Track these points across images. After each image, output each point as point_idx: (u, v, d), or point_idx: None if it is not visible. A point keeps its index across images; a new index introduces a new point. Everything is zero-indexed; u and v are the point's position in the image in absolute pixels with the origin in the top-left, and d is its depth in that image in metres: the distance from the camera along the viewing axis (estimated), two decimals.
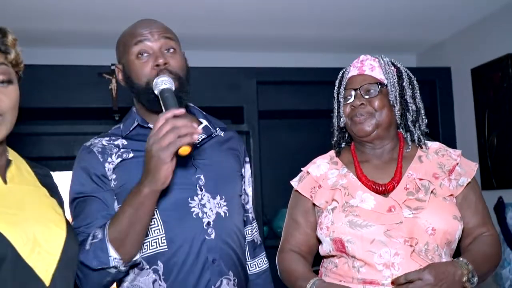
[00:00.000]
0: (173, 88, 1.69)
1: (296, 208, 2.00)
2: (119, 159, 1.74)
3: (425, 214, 1.77)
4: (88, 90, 3.62)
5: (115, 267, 1.61)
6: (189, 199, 1.74)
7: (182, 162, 1.70)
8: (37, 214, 1.44)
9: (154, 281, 1.69)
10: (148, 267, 1.71)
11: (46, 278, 1.37)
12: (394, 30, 3.90)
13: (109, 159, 1.73)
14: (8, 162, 1.51)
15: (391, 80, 1.91)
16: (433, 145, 1.97)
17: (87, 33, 3.72)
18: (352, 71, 1.96)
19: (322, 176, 1.96)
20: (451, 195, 1.86)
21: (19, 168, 1.55)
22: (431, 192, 1.82)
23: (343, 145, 2.02)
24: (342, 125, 1.95)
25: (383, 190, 1.84)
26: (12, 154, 1.57)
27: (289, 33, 3.89)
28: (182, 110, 1.56)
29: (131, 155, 1.75)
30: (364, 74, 1.93)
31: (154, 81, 1.69)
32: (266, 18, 3.59)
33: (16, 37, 1.48)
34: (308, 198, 1.96)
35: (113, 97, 3.65)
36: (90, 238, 1.61)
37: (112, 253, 1.59)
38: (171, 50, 1.78)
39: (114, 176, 1.72)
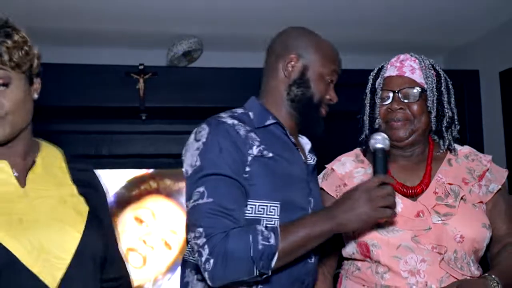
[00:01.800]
0: (388, 149, 1.73)
1: None
2: (259, 153, 1.67)
3: (454, 221, 1.73)
4: (116, 89, 3.66)
5: (260, 277, 1.57)
6: None
7: (301, 184, 1.75)
8: (49, 218, 1.46)
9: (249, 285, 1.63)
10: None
11: (52, 283, 1.40)
12: (422, 31, 3.87)
13: (250, 151, 1.66)
14: (33, 163, 1.54)
15: (431, 85, 1.84)
16: (463, 149, 1.92)
17: (116, 33, 3.75)
18: (390, 71, 1.88)
19: (348, 174, 1.92)
20: (481, 201, 1.81)
21: (48, 167, 1.57)
22: (461, 198, 1.78)
23: None
24: (377, 126, 1.88)
25: (412, 193, 1.79)
26: (45, 151, 1.60)
27: None
28: (394, 182, 1.69)
29: (270, 154, 1.69)
30: (404, 76, 1.85)
31: (373, 136, 1.73)
32: (294, 20, 3.58)
33: (24, 38, 1.50)
34: (333, 196, 1.92)
35: (141, 97, 3.68)
36: (261, 237, 1.54)
37: (274, 263, 1.55)
38: None
39: (248, 169, 1.65)
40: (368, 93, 1.94)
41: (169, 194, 3.95)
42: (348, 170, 1.94)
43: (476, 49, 4.14)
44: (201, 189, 1.59)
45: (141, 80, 3.69)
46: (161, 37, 3.82)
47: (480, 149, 4.00)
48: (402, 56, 1.90)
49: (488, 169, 1.86)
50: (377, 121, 1.88)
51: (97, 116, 3.99)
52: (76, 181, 1.60)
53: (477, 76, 4.10)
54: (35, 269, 1.38)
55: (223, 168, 1.61)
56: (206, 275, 1.55)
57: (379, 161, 1.69)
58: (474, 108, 4.08)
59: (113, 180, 3.88)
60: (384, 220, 1.67)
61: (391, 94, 1.84)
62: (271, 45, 1.89)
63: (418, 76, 1.85)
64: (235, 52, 3.99)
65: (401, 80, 1.85)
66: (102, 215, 1.63)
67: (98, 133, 3.88)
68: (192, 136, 1.71)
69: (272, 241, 1.55)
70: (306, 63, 1.80)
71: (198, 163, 1.63)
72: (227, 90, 3.70)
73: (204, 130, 1.68)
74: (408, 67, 1.87)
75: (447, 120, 1.87)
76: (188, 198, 1.63)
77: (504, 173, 1.89)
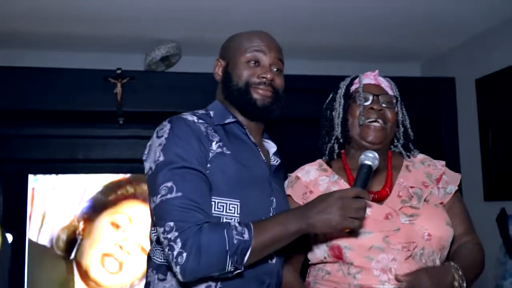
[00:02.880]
0: (374, 168, 1.77)
1: None
2: (219, 150, 1.71)
3: (421, 220, 1.81)
4: (93, 93, 3.64)
5: (231, 273, 1.59)
6: (263, 218, 1.73)
7: (262, 183, 1.78)
8: None
9: (208, 286, 1.64)
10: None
11: None
12: (399, 39, 3.92)
13: (211, 147, 1.70)
14: None
15: (399, 99, 2.00)
16: (418, 156, 2.04)
17: (94, 37, 3.74)
18: (367, 80, 1.99)
19: (313, 182, 1.96)
20: (441, 203, 1.92)
21: None
22: (424, 199, 1.87)
23: (336, 151, 2.02)
24: (361, 122, 1.91)
25: (378, 197, 1.85)
26: None
27: (294, 41, 3.87)
28: (369, 198, 1.74)
29: (229, 152, 1.72)
30: (380, 85, 1.98)
31: (365, 153, 1.77)
32: (271, 24, 3.60)
33: None
34: (300, 204, 1.92)
35: (118, 101, 3.67)
36: (235, 231, 1.56)
37: (247, 259, 1.57)
38: (278, 71, 1.88)
39: (209, 165, 1.67)
40: (341, 98, 2.00)
41: (146, 199, 3.85)
42: (313, 178, 1.98)
43: (453, 57, 4.19)
44: (169, 183, 1.60)
45: (119, 85, 3.68)
46: (139, 42, 3.81)
47: (456, 156, 4.06)
48: (373, 72, 2.02)
49: (443, 173, 1.98)
50: (356, 121, 1.93)
51: (74, 120, 3.97)
52: None
53: (453, 84, 4.14)
54: None
55: (189, 161, 1.62)
56: (177, 269, 1.55)
57: (362, 176, 1.75)
58: (450, 115, 4.12)
59: (89, 185, 3.87)
60: (348, 230, 1.71)
61: (371, 97, 1.93)
62: None
63: (390, 90, 1.99)
64: (213, 57, 3.99)
65: (379, 88, 1.98)
66: None
67: (74, 137, 3.86)
68: (154, 134, 1.74)
69: (246, 236, 1.56)
70: (226, 61, 1.89)
71: (161, 158, 1.64)
72: (204, 95, 3.67)
73: (165, 127, 1.71)
74: (382, 81, 2.01)
75: (401, 133, 2.02)
76: (154, 194, 1.62)
77: (458, 176, 2.01)
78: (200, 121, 1.73)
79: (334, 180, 1.95)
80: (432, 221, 1.82)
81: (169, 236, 1.56)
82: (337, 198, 1.62)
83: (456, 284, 1.72)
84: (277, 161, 1.91)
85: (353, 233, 1.76)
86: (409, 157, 2.02)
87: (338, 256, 1.80)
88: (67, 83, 3.62)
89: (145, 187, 3.92)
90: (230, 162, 1.70)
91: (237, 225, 1.58)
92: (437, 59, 4.38)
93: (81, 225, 3.87)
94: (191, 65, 3.92)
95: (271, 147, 1.95)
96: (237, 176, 1.70)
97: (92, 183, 3.88)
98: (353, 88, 1.99)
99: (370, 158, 1.77)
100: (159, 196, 1.60)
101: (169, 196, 1.59)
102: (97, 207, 3.87)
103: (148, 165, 1.71)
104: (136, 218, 3.90)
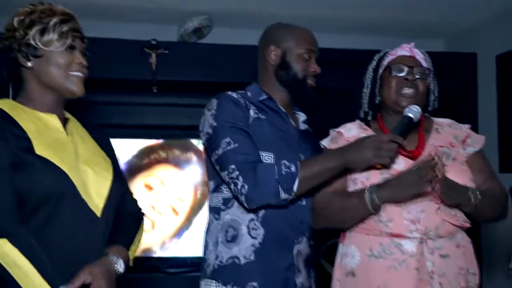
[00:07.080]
0: (415, 120, 2.03)
1: None
2: (256, 116, 2.15)
3: (448, 175, 1.95)
4: (129, 63, 3.79)
5: (286, 200, 2.01)
6: None
7: (292, 142, 2.18)
8: (89, 161, 1.80)
9: (251, 220, 2.09)
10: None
11: (97, 211, 1.75)
12: (423, 14, 3.96)
13: (249, 114, 2.14)
14: (66, 120, 1.88)
15: (432, 71, 2.14)
16: (445, 120, 2.20)
17: (131, 9, 3.87)
18: (403, 51, 2.13)
19: (354, 137, 2.12)
20: (466, 161, 2.08)
21: (75, 125, 1.91)
22: (452, 158, 2.04)
23: (370, 115, 2.19)
24: (377, 102, 2.14)
25: (411, 156, 2.03)
26: (67, 115, 1.93)
27: (315, 14, 3.92)
28: (404, 142, 1.97)
29: (264, 117, 2.16)
30: (415, 58, 2.12)
31: (410, 107, 2.03)
32: (300, 1, 3.72)
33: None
34: None
35: (153, 71, 3.82)
36: (283, 166, 1.99)
37: (296, 188, 1.97)
38: None
39: (248, 129, 2.10)
40: (371, 71, 2.18)
41: (177, 163, 4.10)
42: (354, 134, 2.16)
43: (476, 33, 4.24)
44: (227, 139, 2.06)
45: (154, 55, 3.82)
46: (173, 14, 3.94)
47: (475, 130, 4.12)
48: (409, 44, 2.16)
49: (468, 135, 2.13)
50: (391, 91, 2.09)
51: (111, 88, 4.09)
52: (94, 137, 1.93)
53: (475, 59, 4.21)
54: (85, 198, 1.72)
55: (237, 123, 2.08)
56: (242, 198, 2.02)
57: (402, 125, 1.99)
58: (471, 90, 4.21)
59: (125, 149, 4.01)
60: (380, 166, 1.97)
61: (406, 68, 2.08)
62: (258, 44, 2.33)
63: (424, 62, 2.12)
64: (242, 29, 4.10)
65: (414, 61, 2.11)
66: (118, 167, 1.97)
67: (111, 104, 3.97)
68: (205, 109, 2.14)
69: (293, 169, 1.99)
70: (284, 49, 2.24)
71: (215, 123, 2.10)
72: (234, 66, 3.82)
73: (213, 102, 2.16)
74: (417, 53, 2.13)
75: (431, 104, 2.18)
76: (216, 148, 2.08)
77: (482, 138, 2.17)
78: (239, 96, 2.18)
79: None
80: (458, 177, 1.98)
81: (232, 175, 2.02)
82: (372, 141, 1.94)
83: (472, 200, 1.94)
84: (306, 127, 2.28)
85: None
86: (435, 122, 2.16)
87: None
88: (104, 52, 3.70)
89: (177, 152, 4.11)
90: (265, 124, 2.15)
91: (286, 162, 2.01)
92: (460, 35, 4.43)
93: None
94: (221, 37, 4.05)
95: (301, 116, 2.32)
96: (271, 134, 2.13)
97: (128, 148, 4.03)
98: (388, 59, 2.13)
99: (413, 111, 1.99)
100: (221, 148, 2.06)
101: (229, 147, 2.04)
102: (132, 170, 4.03)
103: (205, 130, 2.14)
104: (167, 180, 4.07)
